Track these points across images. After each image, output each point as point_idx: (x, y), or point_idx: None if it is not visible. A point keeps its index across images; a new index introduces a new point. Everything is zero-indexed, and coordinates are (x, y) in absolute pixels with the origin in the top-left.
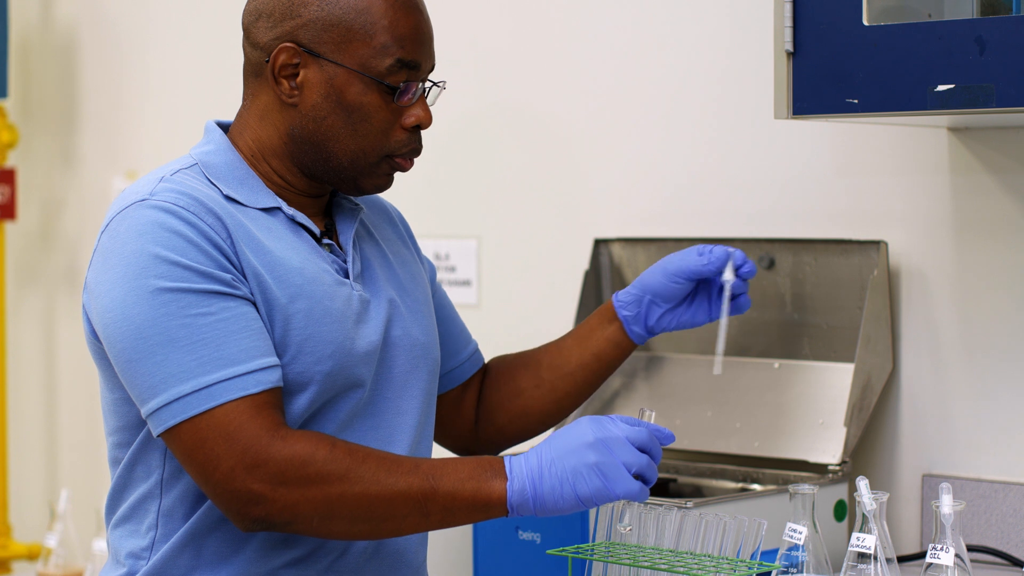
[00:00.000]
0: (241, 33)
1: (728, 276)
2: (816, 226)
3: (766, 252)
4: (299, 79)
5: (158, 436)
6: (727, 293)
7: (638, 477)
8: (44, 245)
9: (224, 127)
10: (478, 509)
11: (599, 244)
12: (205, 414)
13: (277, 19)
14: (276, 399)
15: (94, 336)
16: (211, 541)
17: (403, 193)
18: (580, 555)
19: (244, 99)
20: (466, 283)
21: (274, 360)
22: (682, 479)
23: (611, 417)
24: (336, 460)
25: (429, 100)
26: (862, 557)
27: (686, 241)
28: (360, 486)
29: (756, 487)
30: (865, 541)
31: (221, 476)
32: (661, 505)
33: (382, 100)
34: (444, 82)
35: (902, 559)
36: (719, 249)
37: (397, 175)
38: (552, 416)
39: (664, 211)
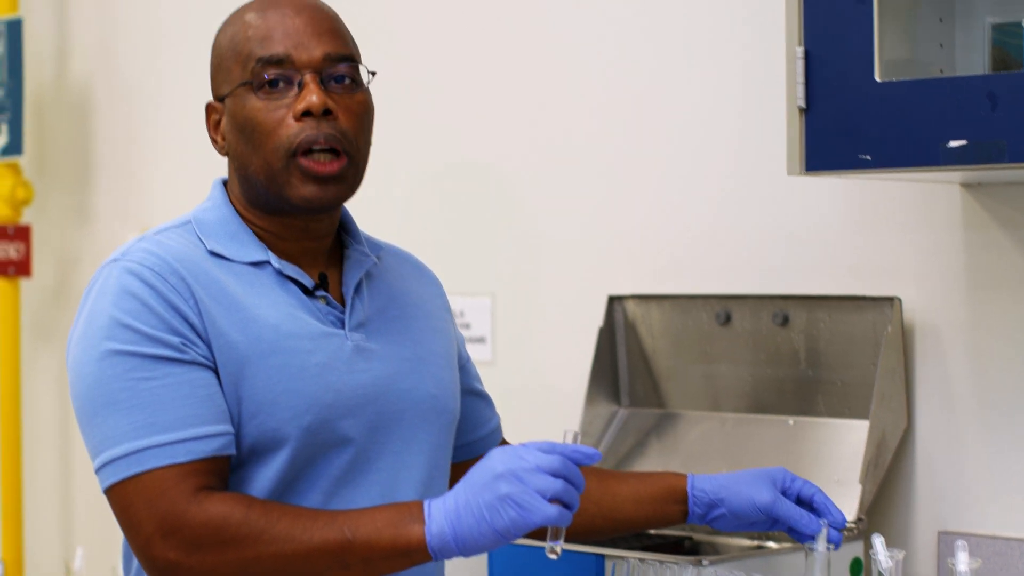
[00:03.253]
0: None
1: (820, 547)
2: (830, 282)
3: (780, 308)
4: (221, 128)
5: (104, 494)
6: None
7: (557, 502)
8: (59, 302)
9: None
10: (399, 555)
11: (613, 301)
12: (133, 479)
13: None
14: (210, 467)
15: None
16: None
17: (417, 250)
18: None
19: None
20: (480, 340)
21: (217, 429)
22: (697, 536)
23: (524, 445)
24: (250, 521)
25: (371, 87)
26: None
27: (700, 298)
28: (275, 545)
29: (772, 544)
30: None
31: (142, 542)
32: (676, 563)
33: (262, 103)
34: (356, 64)
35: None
36: (814, 521)
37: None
38: (575, 535)
39: (678, 267)
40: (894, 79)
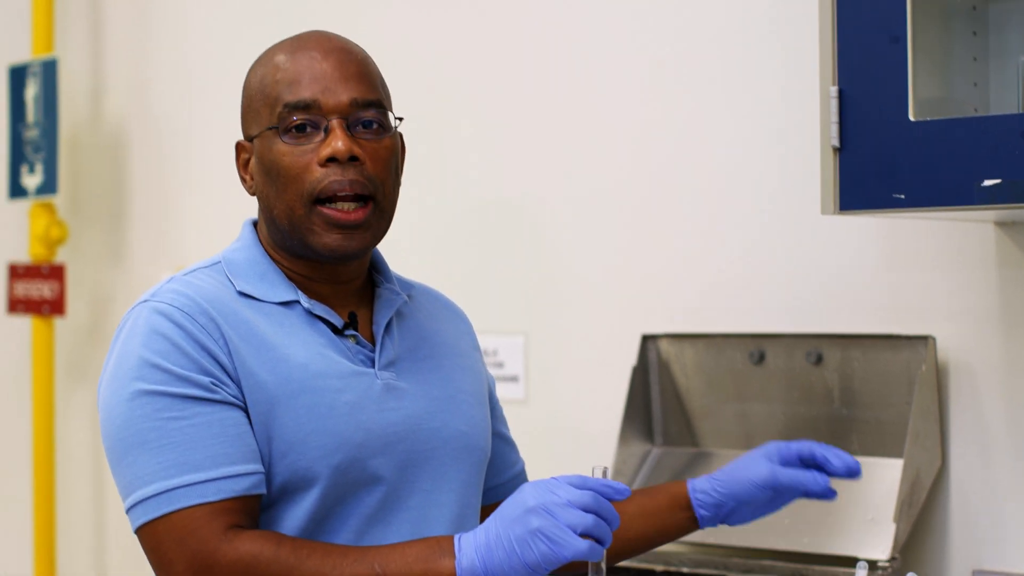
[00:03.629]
0: None
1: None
2: (864, 321)
3: (814, 347)
4: (249, 168)
5: (135, 534)
6: None
7: (588, 536)
8: (93, 341)
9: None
10: None
11: (647, 340)
12: (164, 518)
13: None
14: (240, 506)
15: None
16: None
17: (451, 288)
18: None
19: None
20: (513, 379)
21: (247, 468)
22: None
23: (555, 479)
24: (280, 559)
25: (407, 123)
26: None
27: (734, 337)
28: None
29: None
30: None
31: None
32: None
33: (287, 147)
34: (384, 109)
35: None
36: (820, 476)
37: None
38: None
39: (712, 306)
40: (928, 118)
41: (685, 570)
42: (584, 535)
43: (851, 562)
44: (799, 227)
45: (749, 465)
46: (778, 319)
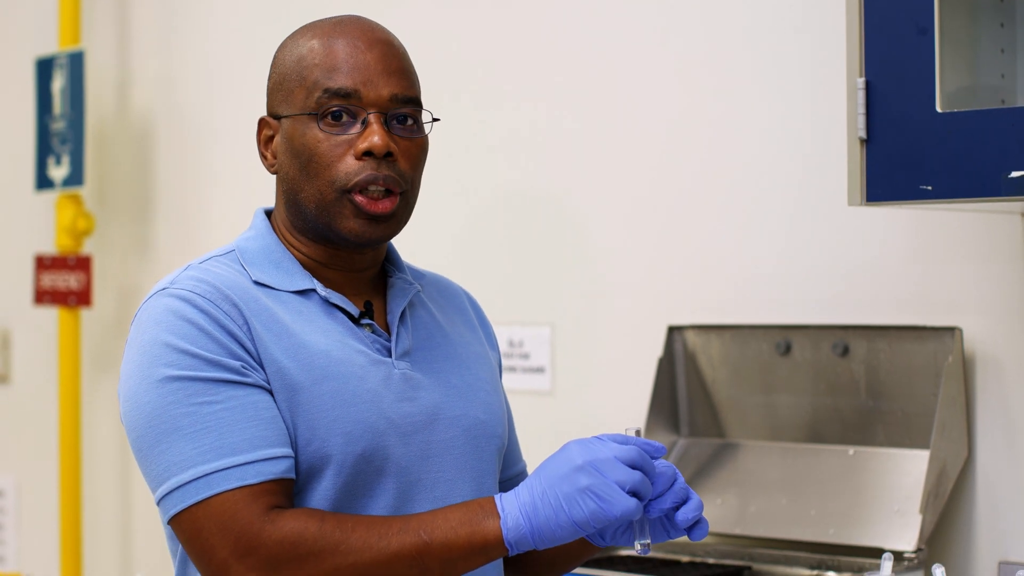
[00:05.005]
0: None
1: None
2: (890, 312)
3: (840, 338)
4: (273, 146)
5: (167, 525)
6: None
7: (633, 494)
8: (119, 332)
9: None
10: (476, 553)
11: (673, 331)
12: (203, 503)
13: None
14: (279, 488)
15: None
16: None
17: (476, 279)
18: None
19: None
20: (539, 370)
21: (282, 451)
22: (756, 566)
23: (599, 437)
24: (326, 534)
25: (427, 130)
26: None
27: (760, 328)
28: (353, 556)
29: (831, 574)
30: None
31: (217, 566)
32: None
33: (323, 134)
34: (423, 110)
35: None
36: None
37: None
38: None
39: (738, 297)
40: (955, 109)
41: (711, 560)
42: (632, 492)
43: (877, 553)
44: (826, 219)
45: None
46: (805, 310)
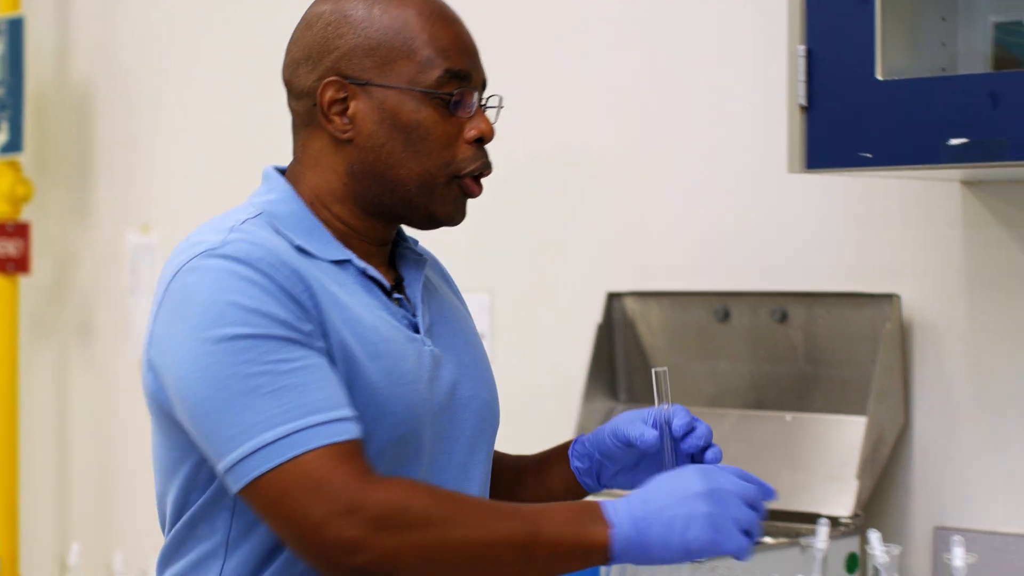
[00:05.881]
0: (282, 90)
1: (819, 544)
2: (829, 279)
3: (779, 305)
4: (350, 112)
5: (238, 492)
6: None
7: (745, 533)
8: (58, 299)
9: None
10: (579, 556)
11: (612, 298)
12: (290, 463)
13: (316, 60)
14: (360, 450)
15: (157, 392)
16: None
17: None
18: None
19: (294, 154)
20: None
21: (355, 413)
22: None
23: (719, 468)
24: (436, 504)
25: (490, 117)
26: None
27: (699, 295)
28: (463, 531)
29: (768, 540)
30: None
31: (312, 526)
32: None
33: (438, 115)
34: (500, 97)
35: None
36: (651, 434)
37: None
38: None
39: (677, 264)
40: (896, 78)
41: None
42: (744, 532)
43: (813, 519)
44: (766, 186)
45: (624, 421)
46: (744, 277)
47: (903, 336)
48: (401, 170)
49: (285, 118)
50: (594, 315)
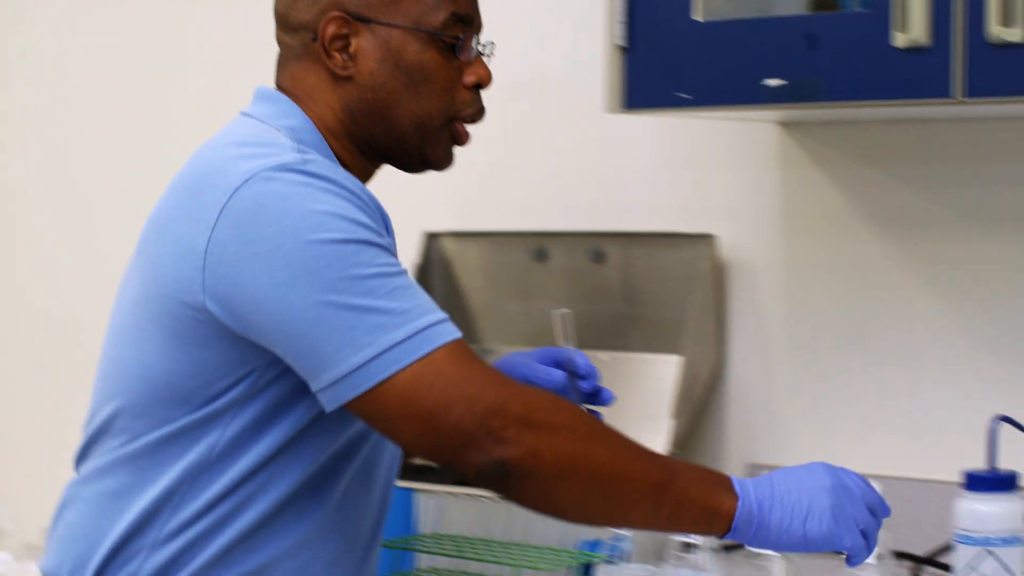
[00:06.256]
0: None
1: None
2: (647, 220)
3: (596, 245)
4: (351, 48)
5: (350, 401)
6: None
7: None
8: None
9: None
10: (703, 518)
11: (430, 238)
12: (425, 359)
13: None
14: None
15: (203, 303)
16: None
17: None
18: (408, 547)
19: (281, 85)
20: None
21: None
22: None
23: (846, 471)
24: (583, 419)
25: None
26: (687, 547)
27: (516, 235)
28: (605, 451)
29: None
30: None
31: (455, 419)
32: (487, 497)
33: (441, 57)
34: (493, 44)
35: (727, 548)
36: (557, 374)
37: None
38: None
39: (496, 204)
40: (714, 19)
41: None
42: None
43: None
44: (584, 126)
45: (519, 365)
46: (560, 217)
47: (719, 276)
48: (400, 111)
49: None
50: (411, 255)
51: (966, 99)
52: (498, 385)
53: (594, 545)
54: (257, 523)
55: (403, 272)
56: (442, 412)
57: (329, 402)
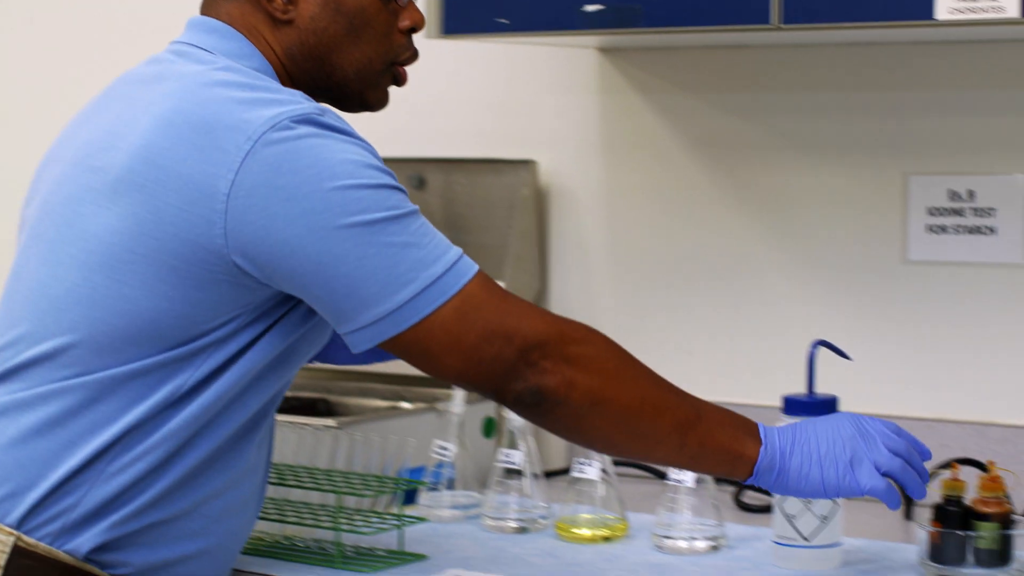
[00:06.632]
0: None
1: (455, 409)
2: (467, 146)
3: (417, 171)
4: None
5: (389, 340)
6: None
7: (890, 478)
8: None
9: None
10: (726, 459)
11: None
12: (461, 291)
13: None
14: None
15: (171, 239)
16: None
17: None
18: None
19: (214, 17)
20: None
21: None
22: (332, 398)
23: (871, 418)
24: (616, 348)
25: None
26: (510, 473)
27: None
28: (637, 387)
29: (405, 405)
30: (513, 457)
31: (496, 351)
32: (310, 425)
33: (379, 2)
34: None
35: (549, 474)
36: None
37: None
38: None
39: None
40: None
41: (287, 393)
42: (885, 474)
43: (450, 384)
44: None
45: None
46: (381, 143)
47: (540, 202)
48: (341, 55)
49: None
50: None
51: (783, 25)
52: (533, 317)
53: (418, 472)
54: (201, 462)
55: (419, 212)
56: (485, 345)
57: (365, 341)
